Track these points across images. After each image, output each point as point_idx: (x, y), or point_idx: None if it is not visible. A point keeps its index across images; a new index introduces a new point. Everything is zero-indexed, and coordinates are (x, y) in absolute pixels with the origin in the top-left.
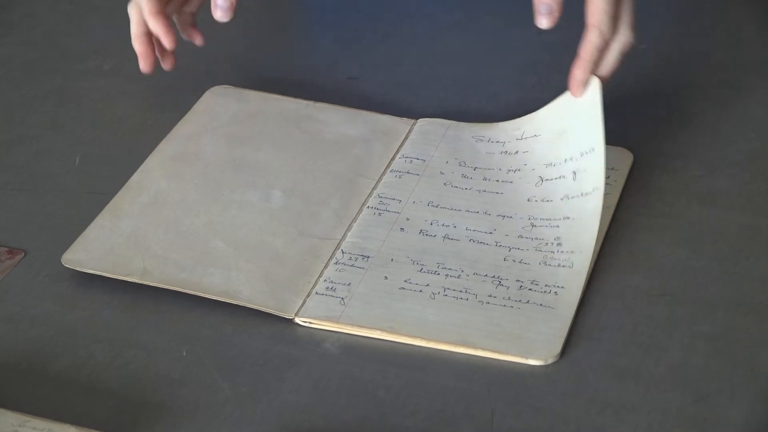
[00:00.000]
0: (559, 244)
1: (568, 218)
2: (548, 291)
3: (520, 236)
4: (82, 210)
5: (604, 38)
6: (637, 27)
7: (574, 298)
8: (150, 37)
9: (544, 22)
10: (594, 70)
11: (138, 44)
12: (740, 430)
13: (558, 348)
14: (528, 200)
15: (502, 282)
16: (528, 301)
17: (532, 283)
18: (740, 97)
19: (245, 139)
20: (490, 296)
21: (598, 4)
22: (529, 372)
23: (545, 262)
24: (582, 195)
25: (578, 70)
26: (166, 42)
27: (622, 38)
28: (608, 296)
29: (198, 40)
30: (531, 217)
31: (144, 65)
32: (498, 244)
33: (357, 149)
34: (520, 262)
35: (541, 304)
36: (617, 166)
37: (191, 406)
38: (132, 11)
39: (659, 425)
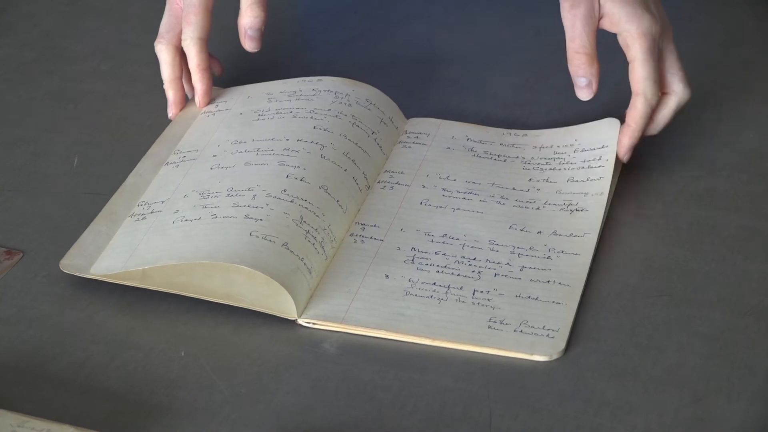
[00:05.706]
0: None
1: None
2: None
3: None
4: (80, 211)
5: (650, 105)
6: (691, 79)
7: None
8: (182, 81)
9: (583, 94)
10: (640, 137)
11: (172, 90)
12: (738, 430)
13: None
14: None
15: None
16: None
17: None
18: (739, 98)
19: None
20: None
21: (640, 71)
22: (527, 372)
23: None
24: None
25: (625, 138)
26: (203, 102)
27: (678, 96)
28: (606, 297)
29: (216, 69)
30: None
31: (174, 112)
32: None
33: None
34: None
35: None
36: (606, 142)
37: (189, 407)
38: (163, 50)
39: (657, 426)
